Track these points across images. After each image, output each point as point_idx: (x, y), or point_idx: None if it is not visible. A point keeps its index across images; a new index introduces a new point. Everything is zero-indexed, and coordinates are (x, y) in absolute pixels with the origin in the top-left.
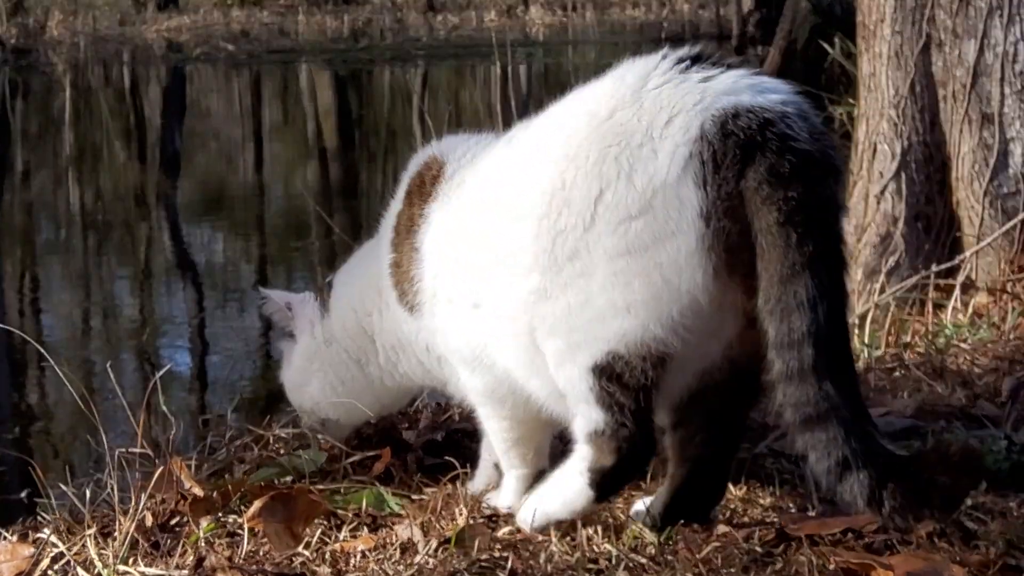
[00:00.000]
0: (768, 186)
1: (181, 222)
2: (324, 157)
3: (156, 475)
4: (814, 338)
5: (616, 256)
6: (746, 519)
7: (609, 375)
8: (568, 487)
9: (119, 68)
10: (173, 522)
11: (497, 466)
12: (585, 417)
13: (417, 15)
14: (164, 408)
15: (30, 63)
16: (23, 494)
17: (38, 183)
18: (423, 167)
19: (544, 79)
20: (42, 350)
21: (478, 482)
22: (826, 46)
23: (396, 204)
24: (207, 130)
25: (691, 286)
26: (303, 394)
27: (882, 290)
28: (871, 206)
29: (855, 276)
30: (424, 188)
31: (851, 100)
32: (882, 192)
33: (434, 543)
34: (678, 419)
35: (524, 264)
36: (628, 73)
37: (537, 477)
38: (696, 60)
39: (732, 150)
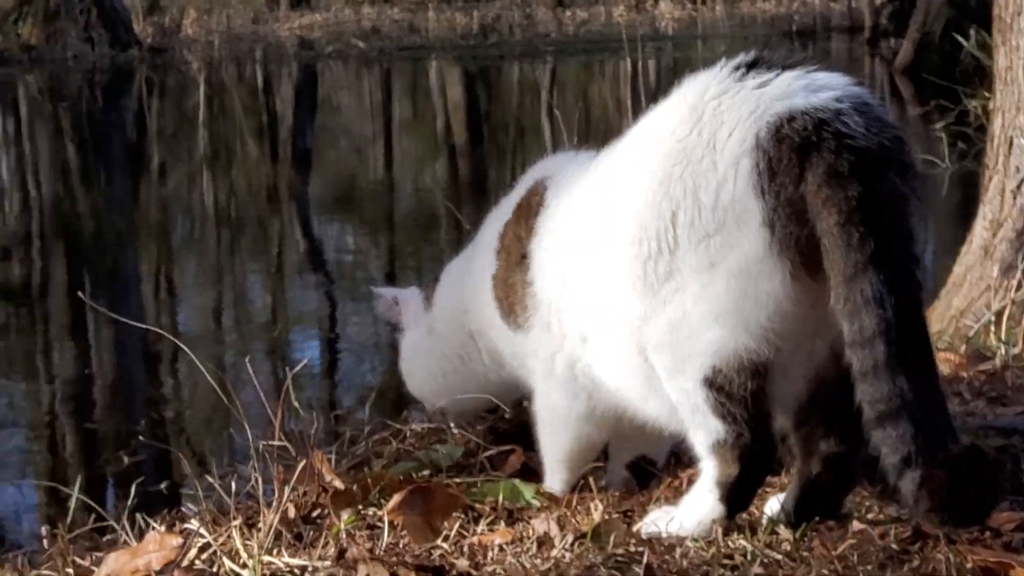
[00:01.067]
0: (827, 187)
1: (312, 218)
2: (453, 153)
3: (299, 468)
4: (885, 335)
5: (701, 271)
6: (881, 516)
7: (717, 387)
8: (700, 506)
9: (252, 66)
10: (315, 514)
11: (628, 466)
12: (705, 429)
13: (546, 11)
14: (296, 404)
15: (166, 62)
16: (163, 486)
17: (173, 180)
18: (530, 191)
19: (673, 74)
20: (182, 345)
21: (612, 477)
22: (960, 39)
23: (505, 212)
24: (338, 127)
25: (771, 293)
26: (412, 383)
27: (1019, 287)
28: (1007, 201)
29: (991, 272)
30: (530, 212)
31: (986, 93)
32: (1018, 187)
33: (570, 537)
34: (798, 420)
35: (623, 292)
36: (688, 89)
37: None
38: (752, 66)
39: (787, 155)
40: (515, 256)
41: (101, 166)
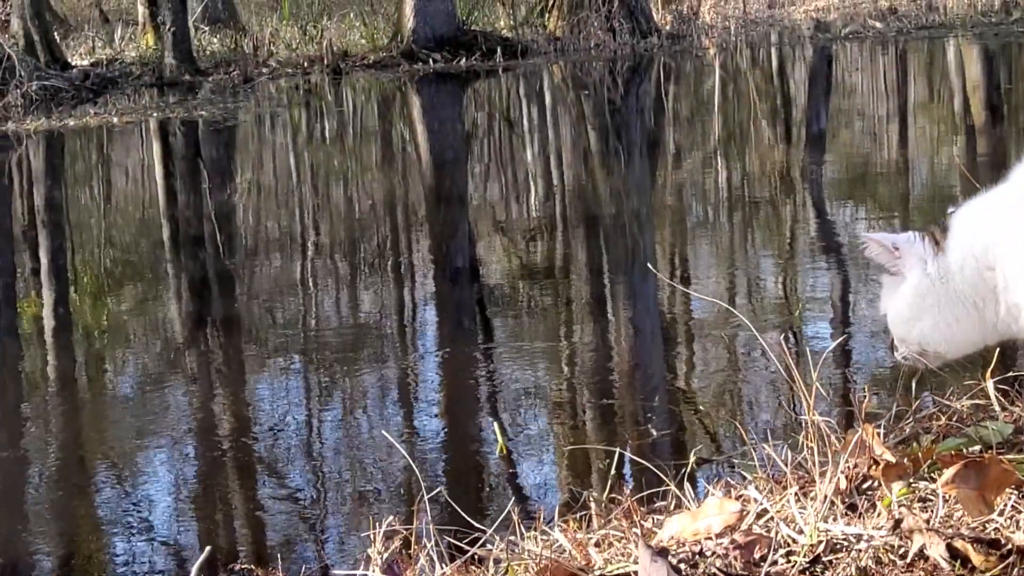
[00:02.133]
0: None
1: (825, 200)
2: (971, 133)
3: (852, 441)
4: None
5: None
6: None
7: None
8: None
9: (766, 49)
10: (865, 486)
11: None
12: None
13: None
14: (818, 384)
15: (683, 48)
16: (693, 458)
17: (688, 164)
18: None
19: None
20: (736, 312)
21: None
22: None
23: None
24: (852, 108)
25: None
26: (912, 328)
27: None
28: None
29: None
30: None
31: None
32: None
33: None
34: None
35: None
36: None
37: None
38: None
39: None
40: None
41: (620, 150)
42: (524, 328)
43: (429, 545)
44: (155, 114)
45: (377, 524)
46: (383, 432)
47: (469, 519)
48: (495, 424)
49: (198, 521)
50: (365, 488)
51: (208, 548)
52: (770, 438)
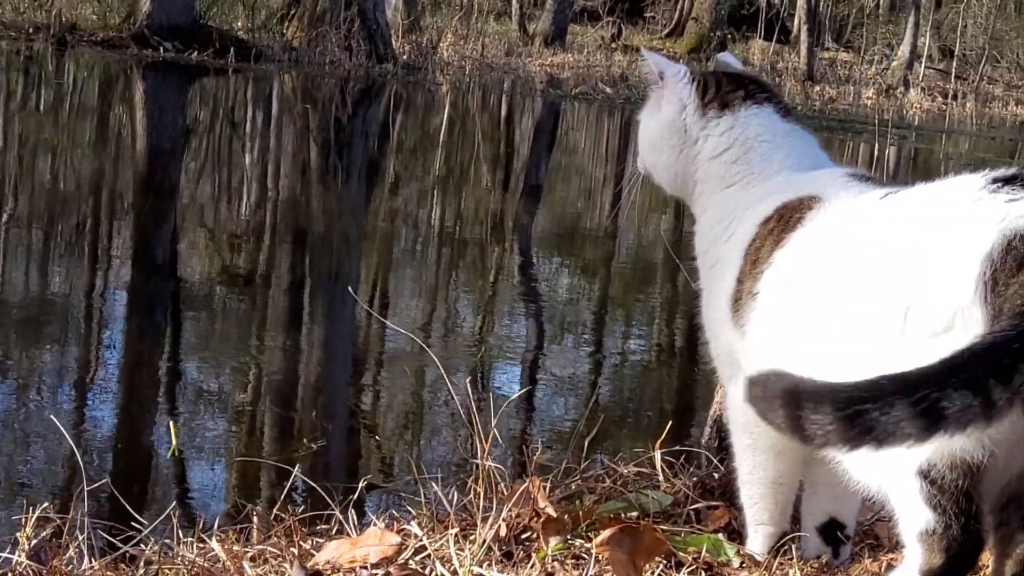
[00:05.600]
0: None
1: (532, 252)
2: (680, 209)
3: (518, 491)
4: None
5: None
6: None
7: (932, 479)
8: None
9: (498, 95)
10: (524, 536)
11: (820, 533)
12: (914, 516)
13: (795, 83)
14: (495, 431)
15: (417, 80)
16: (363, 484)
17: (404, 194)
18: (796, 201)
19: (912, 163)
20: (427, 348)
21: (810, 546)
22: None
23: (758, 213)
24: (571, 167)
25: None
26: (649, 155)
27: None
28: None
29: None
30: (786, 223)
31: None
32: None
33: None
34: (1000, 520)
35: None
36: (945, 186)
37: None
38: (1010, 181)
39: (1010, 266)
40: (754, 261)
41: (340, 170)
42: (216, 332)
43: (81, 537)
44: None
45: (32, 509)
46: (51, 417)
47: (135, 514)
48: (170, 424)
49: None
50: (25, 472)
51: None
52: (442, 477)
